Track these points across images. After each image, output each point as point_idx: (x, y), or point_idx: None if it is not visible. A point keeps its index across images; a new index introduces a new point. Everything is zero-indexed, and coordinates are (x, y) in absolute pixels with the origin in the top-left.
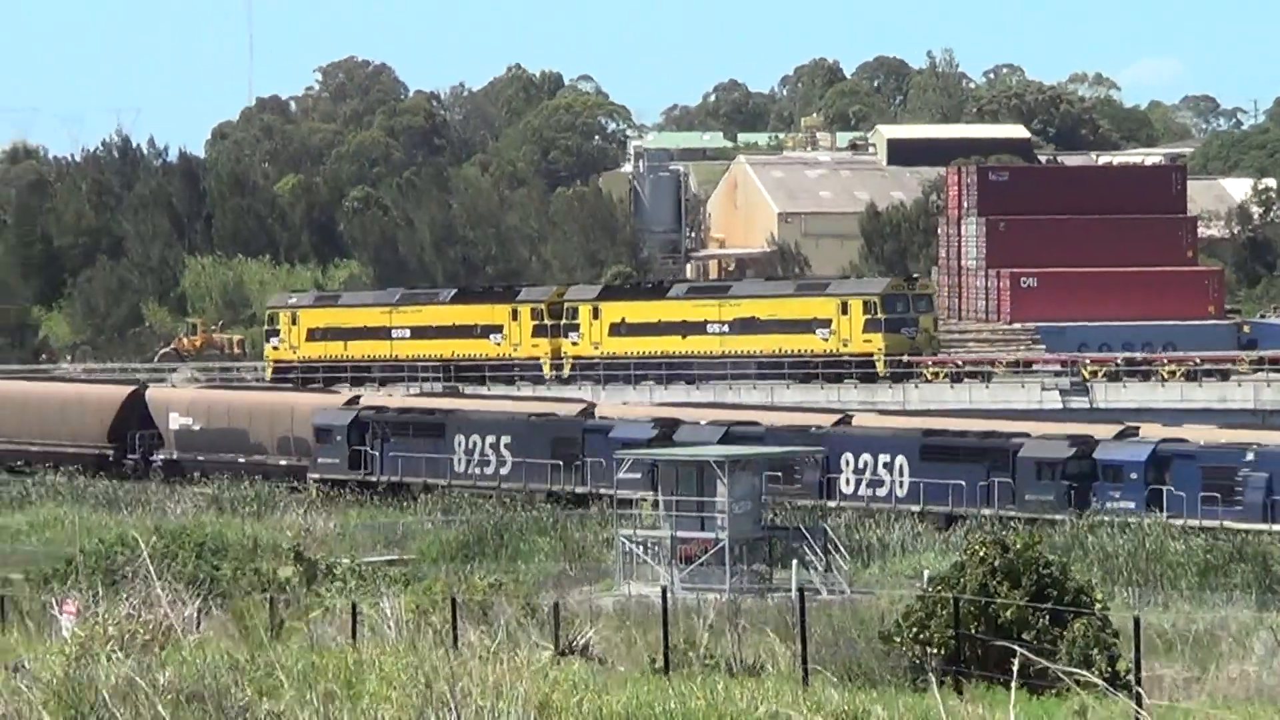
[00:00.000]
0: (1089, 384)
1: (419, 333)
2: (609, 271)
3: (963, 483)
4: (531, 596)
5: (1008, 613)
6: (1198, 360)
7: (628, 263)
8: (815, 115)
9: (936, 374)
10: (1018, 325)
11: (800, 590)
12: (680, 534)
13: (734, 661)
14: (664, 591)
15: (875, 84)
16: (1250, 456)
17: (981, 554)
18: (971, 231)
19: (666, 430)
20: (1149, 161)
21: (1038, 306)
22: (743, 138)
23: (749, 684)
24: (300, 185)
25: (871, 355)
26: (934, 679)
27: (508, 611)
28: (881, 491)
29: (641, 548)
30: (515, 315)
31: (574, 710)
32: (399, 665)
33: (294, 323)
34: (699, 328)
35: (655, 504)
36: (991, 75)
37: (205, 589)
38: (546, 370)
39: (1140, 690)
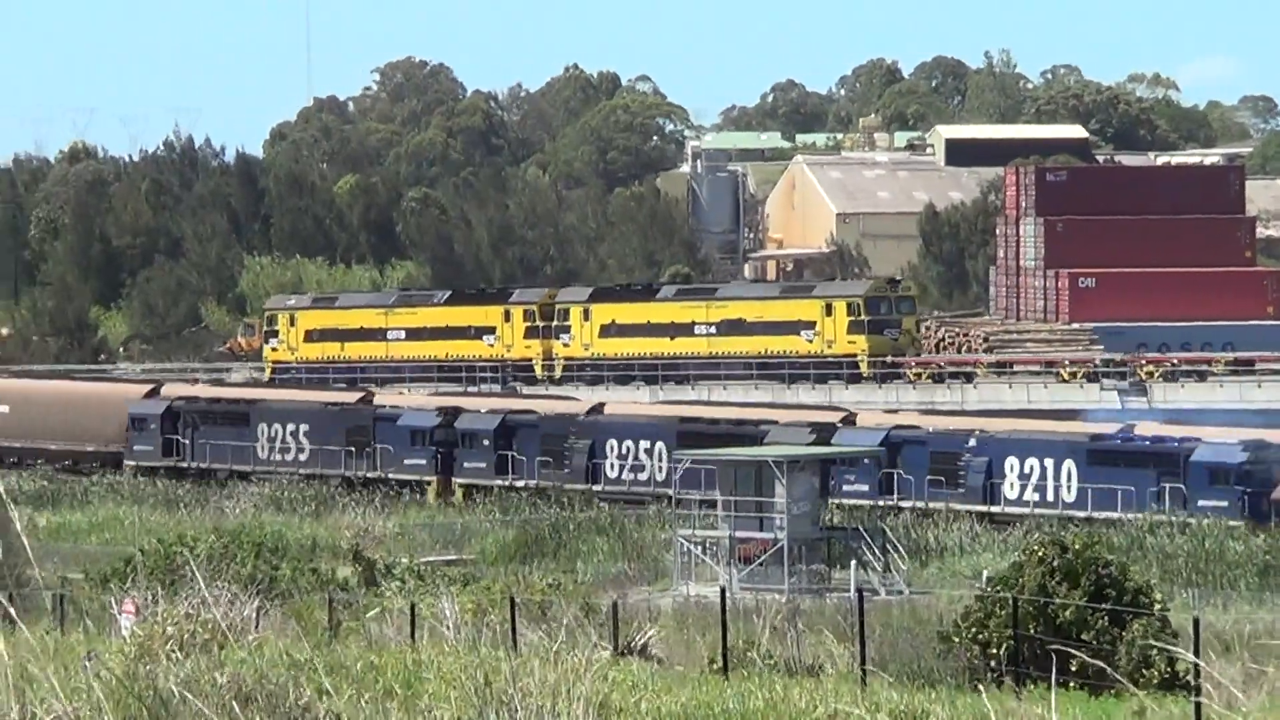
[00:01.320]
0: (1147, 384)
1: (414, 334)
2: (666, 272)
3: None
4: (590, 596)
5: (1067, 613)
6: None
7: (685, 263)
8: (873, 115)
9: (919, 375)
10: (1076, 325)
11: (859, 590)
12: (739, 534)
13: (793, 662)
14: (722, 592)
15: (933, 84)
16: (972, 442)
17: (1040, 554)
18: (1029, 232)
19: (449, 418)
20: (1207, 161)
21: (1096, 307)
22: (801, 138)
23: (807, 684)
24: (358, 186)
25: (855, 356)
26: (991, 679)
27: (567, 611)
28: (643, 476)
29: (700, 548)
30: (508, 317)
31: (633, 710)
32: (458, 665)
33: (292, 324)
34: (687, 329)
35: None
36: (1049, 75)
37: (264, 589)
38: (539, 371)
39: (1199, 692)
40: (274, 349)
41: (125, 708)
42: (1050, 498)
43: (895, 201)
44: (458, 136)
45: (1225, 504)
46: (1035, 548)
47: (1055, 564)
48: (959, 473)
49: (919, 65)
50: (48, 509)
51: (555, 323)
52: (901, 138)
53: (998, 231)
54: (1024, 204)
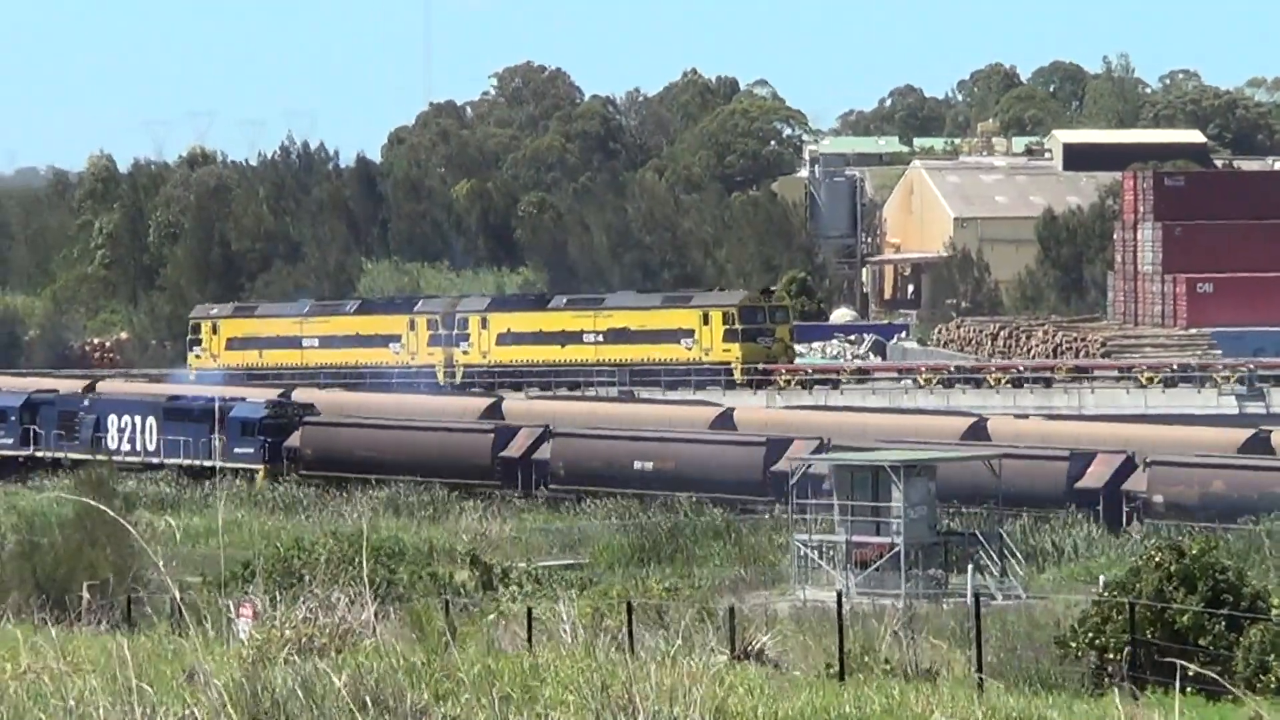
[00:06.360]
0: (1265, 389)
1: (326, 341)
2: (784, 277)
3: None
4: (707, 601)
5: (1184, 618)
6: None
7: (803, 267)
8: (991, 120)
9: (789, 381)
10: (1194, 330)
11: (975, 595)
12: (856, 538)
13: (909, 667)
14: (839, 596)
15: (1051, 89)
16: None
17: (1157, 559)
18: (1147, 236)
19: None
20: None
21: (1214, 311)
22: (919, 142)
23: (924, 690)
24: (474, 190)
25: (730, 364)
26: (1113, 684)
27: (683, 616)
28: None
29: (817, 552)
30: (412, 326)
31: (750, 715)
32: (575, 669)
33: (215, 332)
34: (576, 337)
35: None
36: (1167, 80)
37: (382, 593)
38: (441, 378)
39: None
40: (197, 356)
41: (243, 711)
42: None
43: (1013, 206)
44: (575, 141)
45: None
46: (1152, 553)
47: (1172, 569)
48: None
49: (1037, 70)
50: (168, 513)
51: (455, 331)
52: (1019, 142)
53: (1115, 236)
54: (1142, 209)
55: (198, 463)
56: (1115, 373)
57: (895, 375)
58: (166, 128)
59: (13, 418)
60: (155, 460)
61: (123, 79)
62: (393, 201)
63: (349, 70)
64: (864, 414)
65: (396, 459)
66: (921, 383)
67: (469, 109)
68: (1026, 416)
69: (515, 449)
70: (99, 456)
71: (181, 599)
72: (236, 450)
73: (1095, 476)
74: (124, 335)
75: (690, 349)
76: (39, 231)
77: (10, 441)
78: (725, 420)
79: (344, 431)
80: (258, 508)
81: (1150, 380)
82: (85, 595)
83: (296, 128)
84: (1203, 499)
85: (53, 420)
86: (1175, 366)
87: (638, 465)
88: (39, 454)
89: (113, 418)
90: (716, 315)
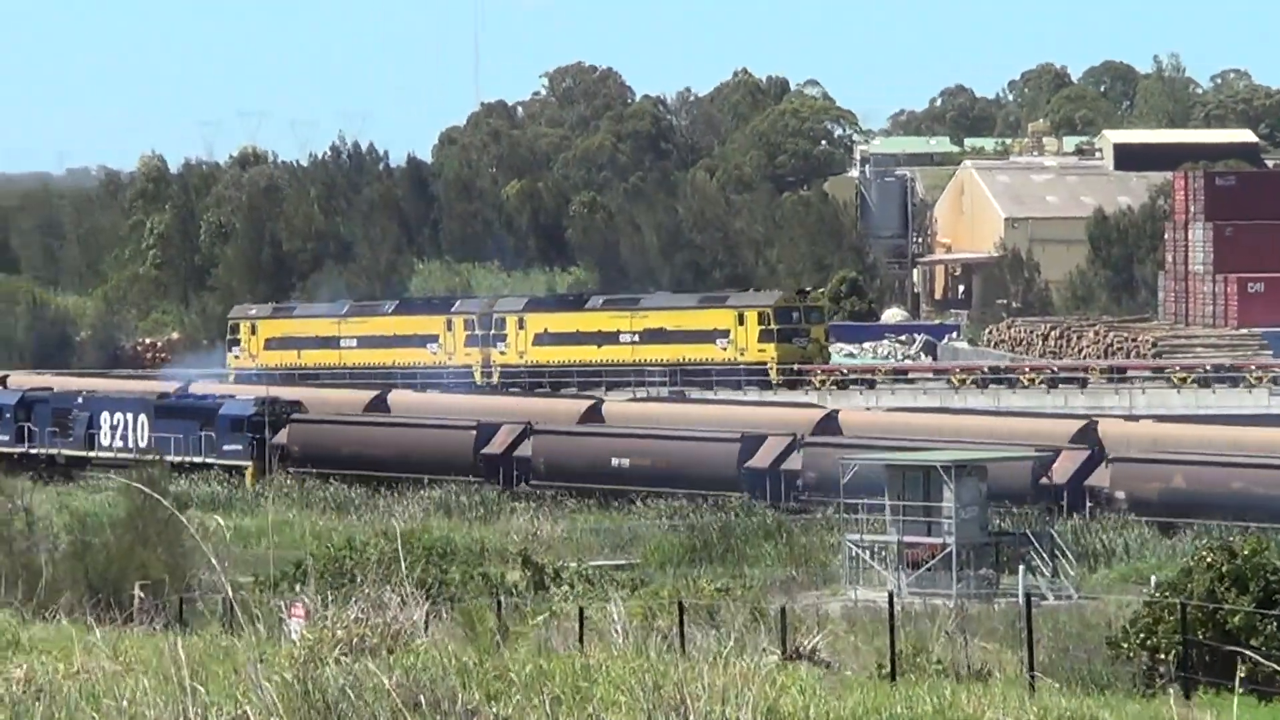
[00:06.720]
0: None
1: (364, 342)
2: (835, 276)
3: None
4: (759, 601)
5: (1235, 619)
6: None
7: (854, 267)
8: (1042, 120)
9: (823, 382)
10: (1244, 330)
11: (1027, 596)
12: (907, 539)
13: (961, 667)
14: (890, 597)
15: (1102, 89)
16: None
17: (1209, 560)
18: (1198, 236)
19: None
20: None
21: (1265, 311)
22: (969, 142)
23: (975, 690)
24: (525, 190)
25: (765, 364)
26: (1160, 685)
27: (735, 616)
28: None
29: (868, 552)
30: (450, 326)
31: (802, 715)
32: (627, 670)
33: (253, 332)
34: (612, 337)
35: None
36: (1218, 80)
37: (433, 593)
38: (478, 377)
39: None
40: (236, 356)
41: (294, 711)
42: None
43: (1064, 206)
44: (626, 141)
45: None
46: (1203, 553)
47: (1224, 569)
48: None
49: (1088, 70)
50: (219, 512)
51: (492, 331)
52: (1070, 142)
53: (1166, 236)
54: (1193, 209)
55: (188, 459)
56: (1148, 373)
57: (931, 375)
58: (218, 128)
59: (8, 415)
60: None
61: (174, 79)
62: (444, 202)
63: (400, 70)
64: (959, 415)
65: (381, 455)
66: (955, 384)
67: (520, 109)
68: (1138, 418)
69: (497, 446)
70: (91, 454)
71: (233, 598)
72: (225, 447)
73: (1060, 472)
74: (175, 335)
75: (725, 349)
76: (90, 232)
77: (6, 438)
78: (830, 423)
79: (330, 428)
80: (309, 508)
81: (1183, 380)
82: (137, 595)
83: (348, 128)
84: (1163, 495)
85: (47, 417)
86: (1209, 367)
87: (615, 462)
88: (33, 451)
89: (105, 415)
90: (752, 316)
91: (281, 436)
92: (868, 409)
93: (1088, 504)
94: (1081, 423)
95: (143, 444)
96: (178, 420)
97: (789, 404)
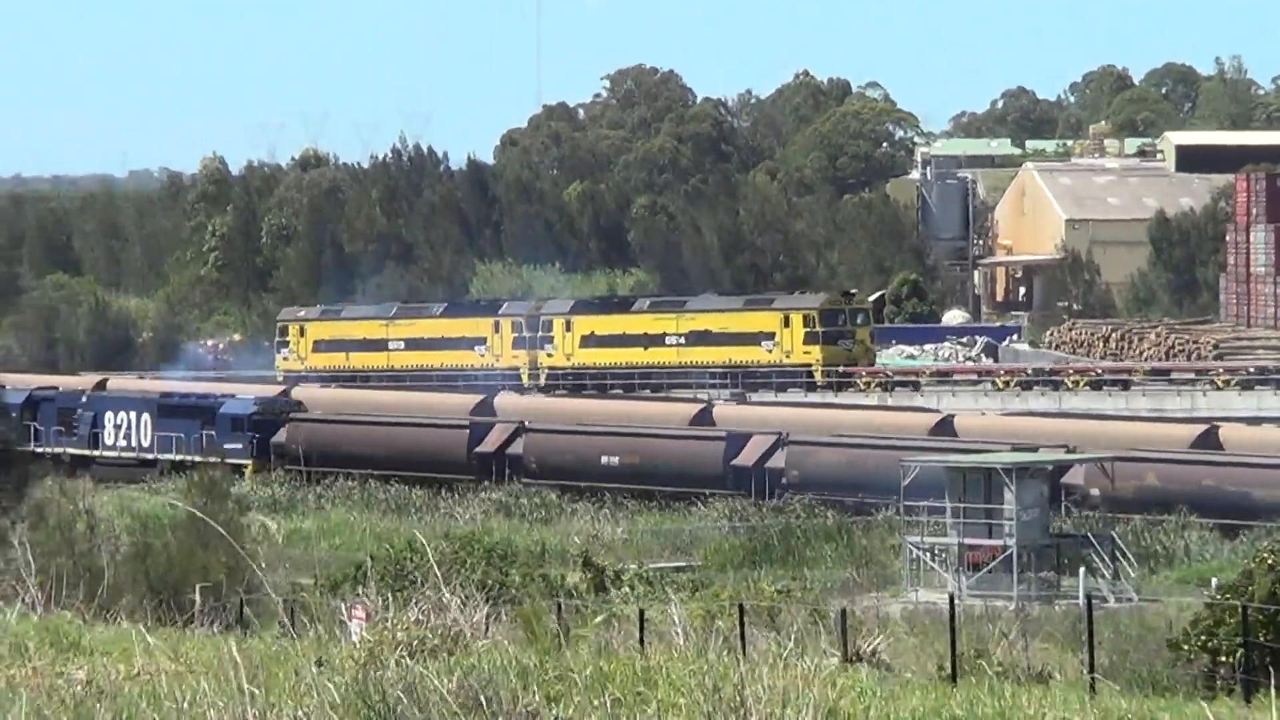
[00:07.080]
0: None
1: (413, 344)
2: (896, 278)
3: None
4: (819, 603)
5: None
6: None
7: (915, 269)
8: (1103, 122)
9: (869, 384)
10: None
11: (1087, 598)
12: (968, 541)
13: (1022, 669)
14: (951, 598)
15: (1164, 91)
16: None
17: (1270, 562)
18: (1260, 239)
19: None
20: None
21: None
22: (1031, 144)
23: (1036, 692)
24: (586, 192)
25: (810, 366)
26: (1221, 688)
27: (795, 618)
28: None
29: (929, 554)
30: (497, 328)
31: (862, 717)
32: (687, 671)
33: (302, 335)
34: (659, 340)
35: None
36: None
37: (494, 595)
38: (525, 379)
39: None
40: (285, 358)
41: (354, 712)
42: None
43: (1125, 208)
44: (687, 143)
45: None
46: (1265, 555)
47: None
48: None
49: (1149, 72)
50: (281, 515)
51: (540, 333)
52: (1132, 144)
53: (1228, 238)
54: (1254, 211)
55: (189, 458)
56: (1191, 374)
57: (975, 378)
58: (279, 130)
59: (14, 414)
60: (150, 456)
61: (236, 82)
62: (505, 204)
63: (462, 73)
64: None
65: (378, 454)
66: (1000, 385)
67: (581, 111)
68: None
69: (490, 444)
70: (96, 453)
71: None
72: (226, 446)
73: None
74: (237, 337)
75: (771, 351)
76: (152, 234)
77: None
78: (945, 426)
79: (329, 427)
80: (369, 510)
81: (1226, 383)
82: (197, 597)
83: (410, 130)
84: (1138, 492)
85: (53, 416)
86: (1251, 370)
87: (604, 460)
88: (39, 449)
89: (109, 414)
90: (797, 318)
91: (281, 435)
92: (983, 413)
93: (1062, 501)
94: (1203, 427)
95: (145, 443)
96: (179, 419)
97: (903, 409)
